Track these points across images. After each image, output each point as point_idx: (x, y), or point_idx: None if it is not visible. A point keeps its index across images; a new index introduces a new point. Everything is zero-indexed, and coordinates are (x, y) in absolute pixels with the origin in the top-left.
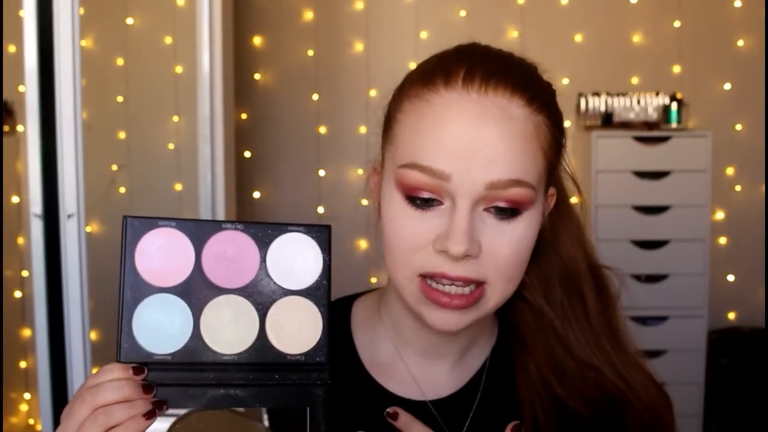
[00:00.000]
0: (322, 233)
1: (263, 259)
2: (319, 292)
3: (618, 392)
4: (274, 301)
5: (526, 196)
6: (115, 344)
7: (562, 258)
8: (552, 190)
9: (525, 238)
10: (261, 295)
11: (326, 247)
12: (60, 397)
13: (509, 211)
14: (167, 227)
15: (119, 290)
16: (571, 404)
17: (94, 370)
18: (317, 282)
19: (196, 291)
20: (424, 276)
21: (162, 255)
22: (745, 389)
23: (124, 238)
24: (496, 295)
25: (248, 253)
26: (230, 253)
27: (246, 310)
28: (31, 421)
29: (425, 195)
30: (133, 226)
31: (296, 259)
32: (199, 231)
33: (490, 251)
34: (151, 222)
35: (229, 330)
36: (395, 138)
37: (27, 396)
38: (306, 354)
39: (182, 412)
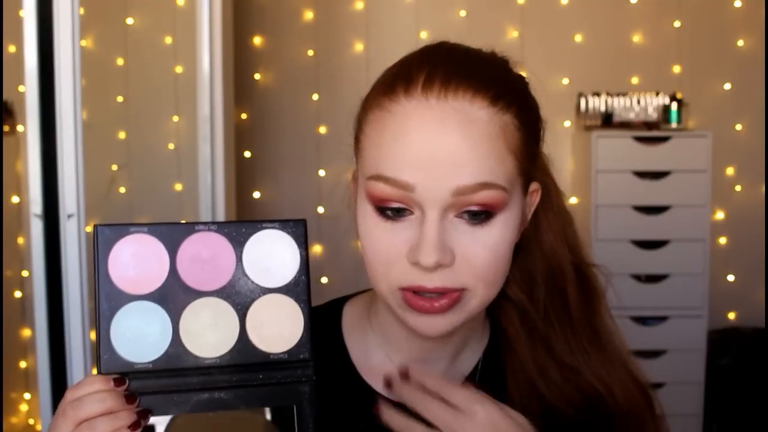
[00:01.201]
0: (297, 228)
1: (239, 259)
2: (298, 288)
3: (596, 393)
4: (253, 300)
5: (496, 198)
6: (95, 356)
7: (544, 253)
8: (535, 186)
9: (501, 243)
10: (239, 296)
11: (302, 242)
12: (60, 397)
13: (482, 215)
14: (139, 233)
15: (95, 301)
16: (556, 404)
17: (94, 370)
18: (296, 278)
19: (173, 296)
20: (403, 289)
21: (136, 262)
22: (745, 389)
23: (96, 248)
24: (477, 297)
25: (223, 254)
26: (205, 255)
27: (225, 311)
28: (31, 421)
29: (394, 205)
30: (104, 234)
31: (273, 256)
32: (172, 234)
33: (465, 258)
34: (123, 229)
35: (209, 333)
36: (363, 150)
37: (27, 396)
38: (289, 352)
39: (168, 418)
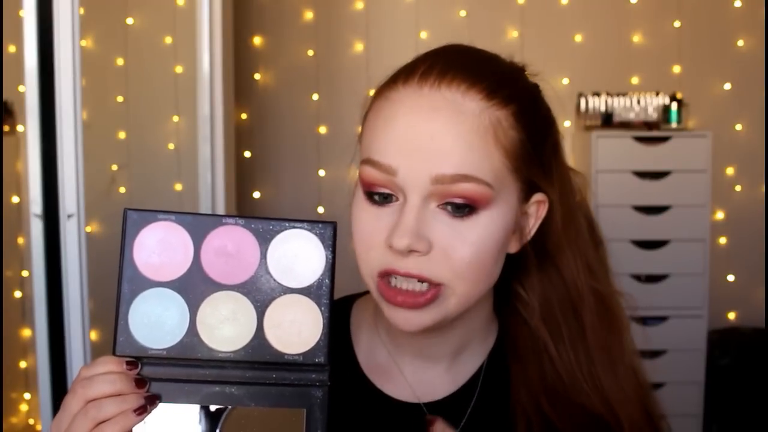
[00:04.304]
0: (325, 230)
1: (263, 256)
2: (320, 290)
3: (603, 422)
4: (274, 298)
5: (478, 192)
6: (112, 337)
7: (564, 278)
8: (540, 197)
9: (484, 240)
10: (260, 293)
11: (330, 245)
12: (60, 397)
13: (464, 208)
14: (166, 221)
15: (117, 283)
16: (559, 425)
17: None
18: (319, 280)
19: (194, 286)
20: (381, 275)
21: (161, 249)
22: (745, 389)
23: (123, 231)
24: (456, 296)
25: (248, 249)
26: (230, 249)
27: (244, 307)
28: (31, 421)
29: (381, 190)
30: (132, 219)
31: (298, 257)
32: (199, 225)
33: (443, 250)
34: (151, 215)
35: (226, 327)
36: (362, 136)
37: (27, 396)
38: (304, 354)
39: (177, 406)
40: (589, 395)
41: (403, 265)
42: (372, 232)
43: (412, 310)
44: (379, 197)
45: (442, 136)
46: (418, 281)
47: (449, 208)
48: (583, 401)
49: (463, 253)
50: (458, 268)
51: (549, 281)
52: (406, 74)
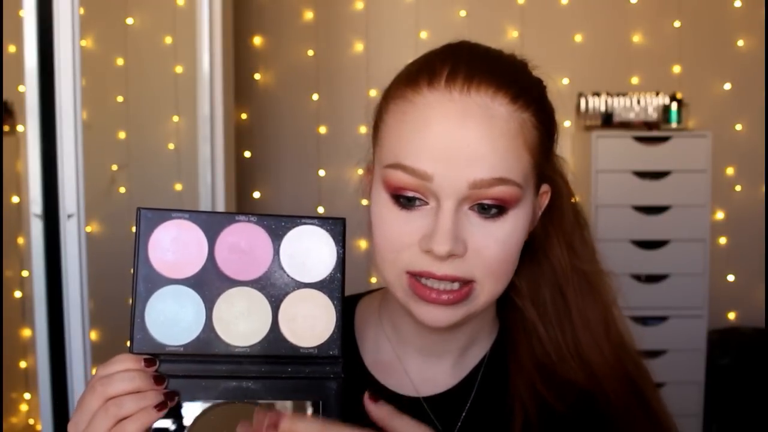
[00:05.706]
0: (336, 226)
1: (276, 252)
2: (332, 284)
3: (591, 396)
4: (287, 293)
5: (511, 194)
6: (128, 335)
7: (550, 260)
8: (545, 188)
9: (511, 237)
10: (274, 288)
11: (340, 240)
12: (60, 397)
13: (495, 209)
14: (180, 219)
15: (133, 282)
16: (552, 403)
17: (93, 370)
18: (331, 275)
19: (209, 283)
20: (411, 273)
21: (175, 247)
22: (745, 389)
23: (138, 230)
24: (485, 293)
25: (261, 246)
26: (243, 245)
27: (259, 302)
28: (31, 421)
29: (410, 194)
30: (147, 218)
31: (310, 252)
32: (213, 223)
33: (476, 250)
34: (165, 214)
35: (241, 322)
36: (381, 139)
37: (27, 396)
38: (319, 347)
39: (194, 403)
40: (576, 371)
41: (440, 269)
42: (401, 234)
43: (444, 307)
44: (404, 200)
45: (477, 142)
46: (451, 282)
47: (481, 209)
48: (571, 378)
49: (495, 252)
50: (490, 266)
51: (537, 264)
52: (428, 77)
